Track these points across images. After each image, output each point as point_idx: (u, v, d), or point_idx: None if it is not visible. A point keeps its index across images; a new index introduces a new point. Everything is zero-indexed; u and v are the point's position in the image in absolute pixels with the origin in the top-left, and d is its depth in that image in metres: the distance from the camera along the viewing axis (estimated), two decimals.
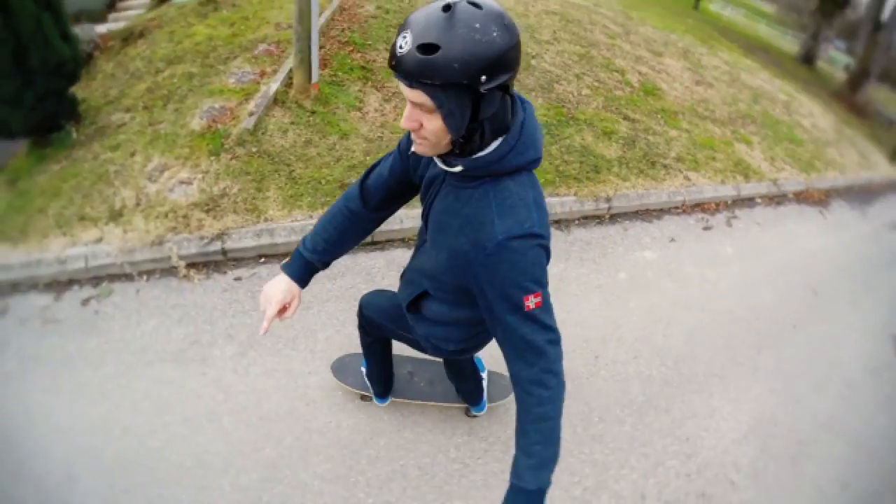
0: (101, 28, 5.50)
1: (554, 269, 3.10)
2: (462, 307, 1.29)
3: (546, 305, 1.04)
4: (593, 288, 3.08)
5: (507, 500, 1.06)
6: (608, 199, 3.56)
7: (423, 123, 0.95)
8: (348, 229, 1.35)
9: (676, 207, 4.00)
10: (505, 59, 0.87)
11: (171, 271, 2.95)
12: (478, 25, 0.84)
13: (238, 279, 2.86)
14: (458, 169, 1.03)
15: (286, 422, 2.19)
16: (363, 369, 2.13)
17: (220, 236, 2.97)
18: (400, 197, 1.36)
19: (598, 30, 6.74)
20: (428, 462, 2.15)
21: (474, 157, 1.01)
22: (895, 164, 7.22)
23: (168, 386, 2.33)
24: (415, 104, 0.93)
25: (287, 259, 1.39)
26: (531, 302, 1.01)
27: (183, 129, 3.60)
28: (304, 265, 1.34)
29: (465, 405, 2.22)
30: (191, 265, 2.95)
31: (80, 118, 3.91)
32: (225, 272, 2.90)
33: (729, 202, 4.50)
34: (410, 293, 1.39)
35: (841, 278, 4.04)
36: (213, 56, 4.36)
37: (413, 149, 1.05)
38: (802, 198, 5.26)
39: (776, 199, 4.99)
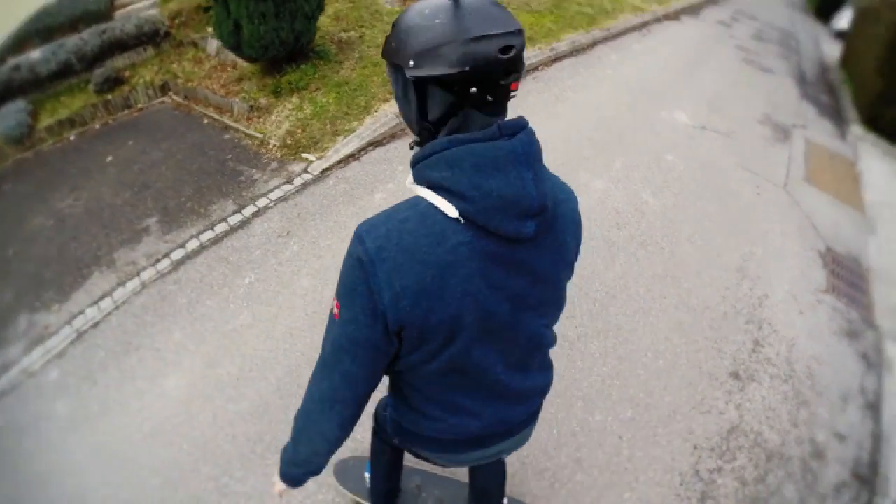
0: None
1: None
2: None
3: (336, 321, 0.86)
4: (618, 52, 5.99)
5: None
6: (608, 29, 6.50)
7: None
8: None
9: (633, 28, 7.08)
10: (441, 51, 0.75)
11: None
12: (427, 11, 0.78)
13: None
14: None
15: None
16: (367, 475, 1.84)
17: None
18: None
19: None
20: None
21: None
22: None
23: None
24: None
25: None
26: (334, 305, 0.87)
27: None
28: None
29: None
30: None
31: None
32: None
33: (642, 24, 7.68)
34: None
35: (702, 41, 7.44)
36: None
37: None
38: (668, 18, 8.66)
39: (659, 19, 8.31)
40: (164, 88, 5.10)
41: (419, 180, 0.84)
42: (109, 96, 5.08)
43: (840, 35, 13.91)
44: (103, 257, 3.05)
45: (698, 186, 4.01)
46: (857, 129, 5.50)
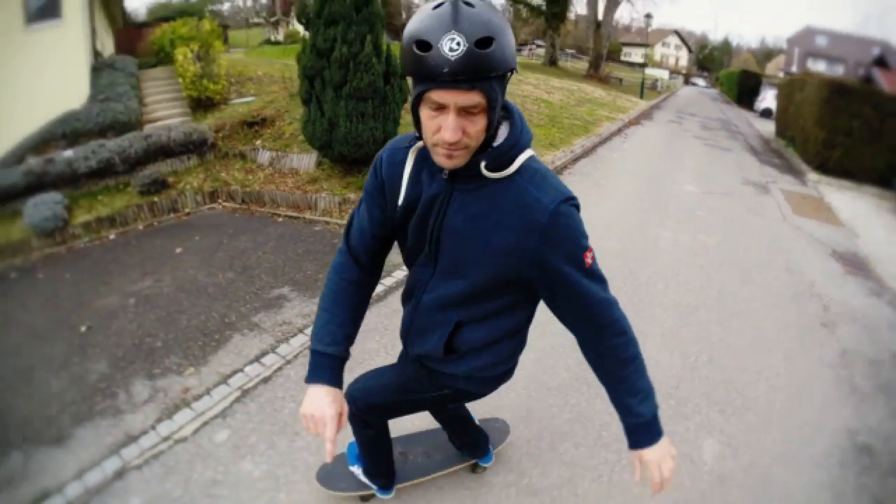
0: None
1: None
2: (503, 317, 1.21)
3: (594, 256, 1.07)
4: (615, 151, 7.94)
5: (635, 438, 1.10)
6: (599, 135, 8.58)
7: (466, 129, 0.89)
8: (357, 303, 1.23)
9: (614, 133, 9.24)
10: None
11: None
12: (500, 15, 0.85)
13: None
14: (483, 164, 0.98)
15: None
16: (353, 469, 1.88)
17: None
18: (388, 243, 1.25)
19: None
20: None
21: (493, 147, 0.99)
22: (643, 99, 14.24)
23: None
24: (463, 109, 0.86)
25: (308, 369, 1.18)
26: (589, 257, 1.04)
27: None
28: (335, 363, 1.17)
29: (471, 462, 2.07)
30: None
31: None
32: None
33: (618, 129, 9.93)
34: (442, 334, 1.21)
35: (668, 137, 9.75)
36: None
37: (448, 165, 0.95)
38: (632, 123, 11.12)
39: (627, 125, 10.69)
40: (212, 195, 5.24)
41: (524, 149, 1.03)
42: (156, 199, 5.07)
43: (765, 113, 17.43)
44: (237, 323, 3.16)
45: (730, 228, 5.61)
46: (812, 176, 7.54)
